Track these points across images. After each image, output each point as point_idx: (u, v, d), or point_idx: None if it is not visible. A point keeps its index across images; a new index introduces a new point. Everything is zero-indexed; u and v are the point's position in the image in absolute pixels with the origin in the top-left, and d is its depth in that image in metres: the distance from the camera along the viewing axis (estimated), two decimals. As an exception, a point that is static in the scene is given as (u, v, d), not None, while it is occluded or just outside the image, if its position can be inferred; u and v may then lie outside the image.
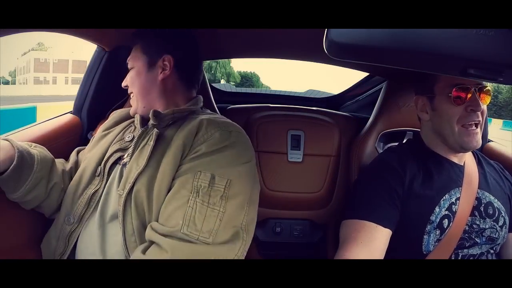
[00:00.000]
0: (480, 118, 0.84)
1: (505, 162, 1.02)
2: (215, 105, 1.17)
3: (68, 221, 0.75)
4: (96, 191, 0.76)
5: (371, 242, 0.80)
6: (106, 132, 0.89)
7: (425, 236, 0.83)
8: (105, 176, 0.77)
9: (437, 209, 0.83)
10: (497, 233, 0.85)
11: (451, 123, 0.84)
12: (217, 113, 1.14)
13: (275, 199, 1.21)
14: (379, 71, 1.29)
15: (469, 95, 0.82)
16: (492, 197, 0.88)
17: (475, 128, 0.83)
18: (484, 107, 0.85)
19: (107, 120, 0.93)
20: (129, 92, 0.87)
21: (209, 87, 1.20)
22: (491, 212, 0.86)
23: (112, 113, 0.96)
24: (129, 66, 0.86)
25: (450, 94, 0.83)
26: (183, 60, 0.86)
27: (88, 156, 0.84)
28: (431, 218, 0.83)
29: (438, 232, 0.82)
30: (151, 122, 0.77)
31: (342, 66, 1.36)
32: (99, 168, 0.78)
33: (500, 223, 0.86)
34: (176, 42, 0.86)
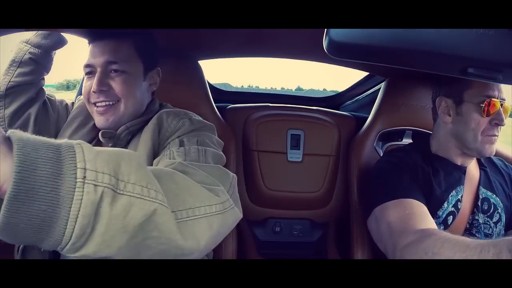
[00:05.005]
0: (499, 133, 0.85)
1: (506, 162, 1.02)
2: (214, 105, 1.16)
3: None
4: None
5: (425, 216, 0.78)
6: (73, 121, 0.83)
7: None
8: None
9: (445, 205, 0.85)
10: (490, 229, 0.87)
11: (475, 132, 0.84)
12: (217, 113, 1.14)
13: (275, 199, 1.21)
14: (379, 70, 1.29)
15: (496, 109, 0.83)
16: (489, 193, 0.89)
17: (494, 138, 0.85)
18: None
19: (74, 107, 0.87)
20: (108, 99, 0.74)
21: (208, 87, 1.19)
22: (485, 208, 0.88)
23: (78, 99, 0.88)
24: (117, 68, 0.74)
25: (481, 104, 0.82)
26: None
27: None
28: (438, 213, 0.84)
29: (442, 227, 0.84)
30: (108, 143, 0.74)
31: (342, 66, 1.36)
32: None
33: (495, 219, 0.88)
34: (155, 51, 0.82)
